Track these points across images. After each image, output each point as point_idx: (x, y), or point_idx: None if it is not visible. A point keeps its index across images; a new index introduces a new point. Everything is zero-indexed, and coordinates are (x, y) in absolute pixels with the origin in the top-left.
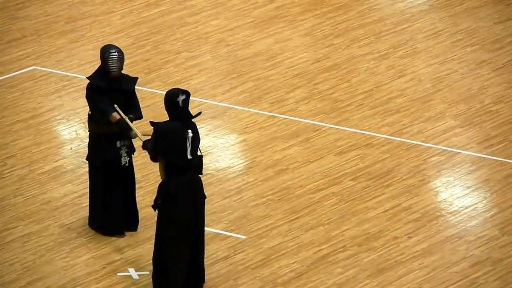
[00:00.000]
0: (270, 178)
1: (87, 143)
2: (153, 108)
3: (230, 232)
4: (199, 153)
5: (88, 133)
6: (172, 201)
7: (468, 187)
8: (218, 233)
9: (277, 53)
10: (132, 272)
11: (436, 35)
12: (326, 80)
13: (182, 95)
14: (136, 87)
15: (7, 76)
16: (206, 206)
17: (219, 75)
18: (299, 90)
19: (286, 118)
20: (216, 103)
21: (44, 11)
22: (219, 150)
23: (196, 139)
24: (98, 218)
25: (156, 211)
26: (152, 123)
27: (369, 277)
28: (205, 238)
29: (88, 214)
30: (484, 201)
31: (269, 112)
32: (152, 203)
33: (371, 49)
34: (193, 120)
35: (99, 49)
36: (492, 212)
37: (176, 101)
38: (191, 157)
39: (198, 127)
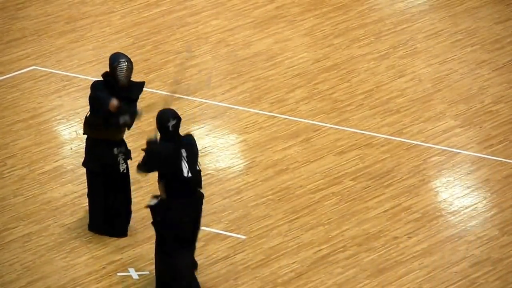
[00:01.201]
0: (270, 178)
1: (84, 147)
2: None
3: (230, 232)
4: (198, 167)
5: (86, 137)
6: (172, 222)
7: (468, 187)
8: (218, 233)
9: (277, 53)
10: (132, 272)
11: (436, 35)
12: (326, 80)
13: (173, 120)
14: None
15: (7, 76)
16: (206, 206)
17: (219, 75)
18: (299, 90)
19: (286, 118)
20: (216, 103)
21: (44, 11)
22: (219, 150)
23: (193, 154)
24: (99, 222)
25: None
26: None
27: (369, 277)
28: (205, 238)
29: (88, 218)
30: (484, 201)
31: (269, 112)
32: (151, 220)
33: (371, 49)
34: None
35: (99, 50)
36: (492, 212)
37: (167, 126)
38: (189, 175)
39: (198, 127)
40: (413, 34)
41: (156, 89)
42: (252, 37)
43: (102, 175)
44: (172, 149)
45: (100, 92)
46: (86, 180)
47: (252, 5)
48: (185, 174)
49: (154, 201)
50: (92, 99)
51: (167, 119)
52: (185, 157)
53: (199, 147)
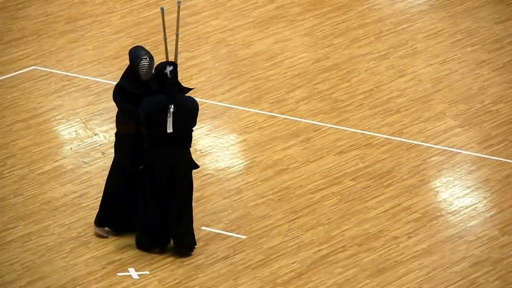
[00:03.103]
0: (270, 178)
1: (114, 143)
2: None
3: (230, 232)
4: (190, 129)
5: (115, 133)
6: (147, 171)
7: (468, 187)
8: (218, 233)
9: (277, 53)
10: (132, 272)
11: (436, 35)
12: (326, 80)
13: (170, 66)
14: None
15: (7, 76)
16: (206, 206)
17: (219, 75)
18: (299, 90)
19: (286, 118)
20: (216, 103)
21: (44, 11)
22: (219, 150)
23: (181, 114)
24: (116, 216)
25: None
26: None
27: (369, 277)
28: (205, 238)
29: (100, 214)
30: (484, 201)
31: (269, 112)
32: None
33: (371, 49)
34: (189, 95)
35: (99, 50)
36: (492, 212)
37: (165, 73)
38: (171, 131)
39: (198, 127)
40: (413, 34)
41: None
42: (252, 37)
43: (131, 169)
44: (162, 102)
45: (125, 103)
46: (86, 180)
47: (252, 5)
48: (168, 130)
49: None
50: (120, 109)
51: (164, 66)
52: (171, 113)
53: (199, 147)
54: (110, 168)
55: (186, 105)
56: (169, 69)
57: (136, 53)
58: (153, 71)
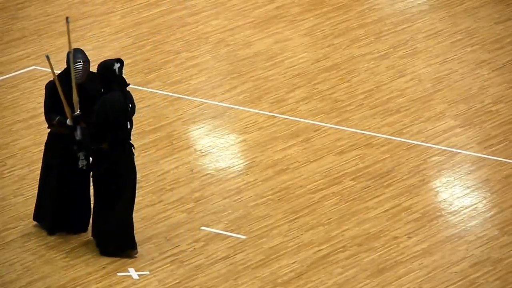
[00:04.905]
0: (270, 178)
1: (45, 141)
2: (153, 108)
3: (230, 232)
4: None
5: (48, 132)
6: (112, 171)
7: (468, 187)
8: (218, 233)
9: (277, 53)
10: (132, 272)
11: (436, 35)
12: (326, 80)
13: (117, 63)
14: (136, 87)
15: (7, 76)
16: (206, 206)
17: (219, 75)
18: (299, 90)
19: (286, 118)
20: (216, 103)
21: (44, 11)
22: (219, 150)
23: (133, 109)
24: (45, 214)
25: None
26: (97, 94)
27: (369, 277)
28: (205, 238)
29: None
30: (484, 201)
31: (269, 112)
32: (92, 171)
33: (371, 49)
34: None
35: (99, 50)
36: (492, 212)
37: (113, 69)
38: (129, 127)
39: (198, 127)
40: (413, 34)
41: (156, 89)
42: (252, 37)
43: (59, 170)
44: (122, 97)
45: (50, 109)
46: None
47: (252, 5)
48: (128, 126)
49: (84, 162)
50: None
51: (112, 63)
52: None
53: (199, 147)
54: (41, 167)
55: (132, 100)
56: (117, 65)
57: (73, 56)
58: (87, 74)
